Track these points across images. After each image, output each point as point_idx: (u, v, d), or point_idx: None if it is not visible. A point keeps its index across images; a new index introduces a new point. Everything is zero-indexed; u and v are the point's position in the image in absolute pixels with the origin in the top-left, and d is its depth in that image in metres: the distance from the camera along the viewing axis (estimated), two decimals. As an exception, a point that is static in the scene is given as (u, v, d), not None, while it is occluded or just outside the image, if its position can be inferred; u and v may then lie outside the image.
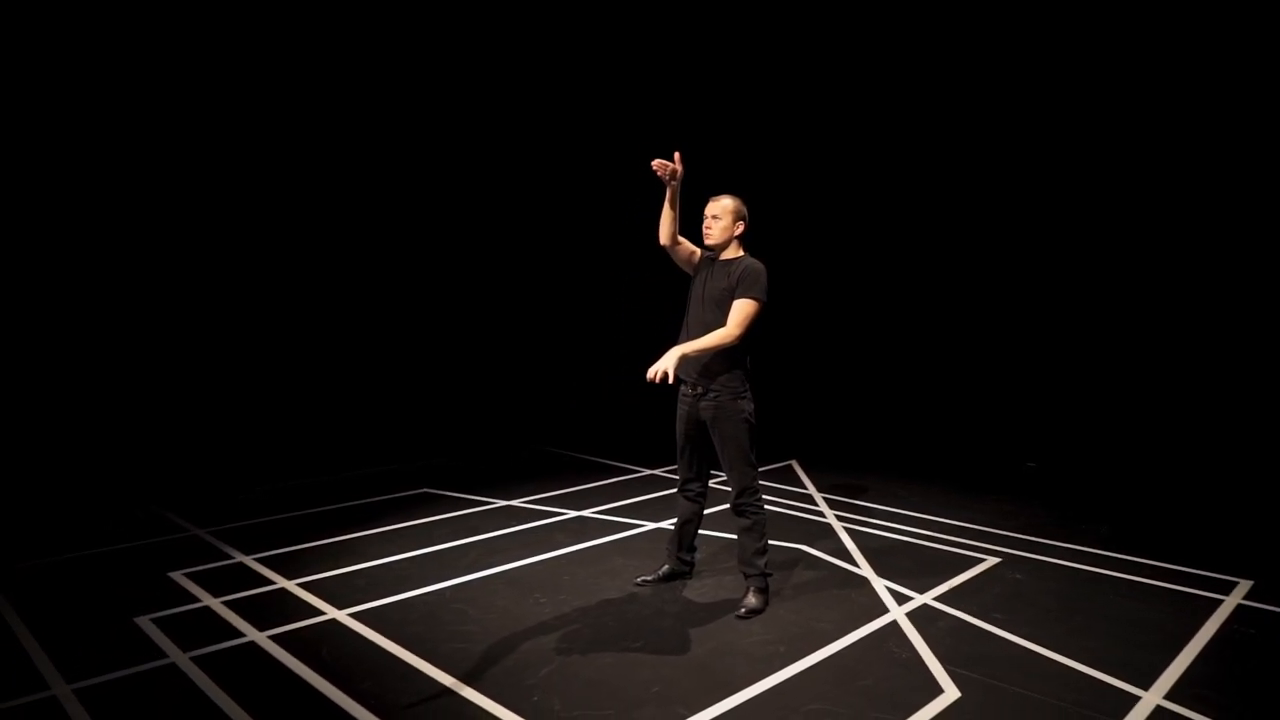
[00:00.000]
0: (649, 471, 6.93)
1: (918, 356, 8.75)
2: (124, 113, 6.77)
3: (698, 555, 4.53)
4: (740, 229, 4.00)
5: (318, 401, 8.22)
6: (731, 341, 3.81)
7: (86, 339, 6.77)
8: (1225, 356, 6.77)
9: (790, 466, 7.17)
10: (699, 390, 3.98)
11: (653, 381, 3.62)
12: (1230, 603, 4.16)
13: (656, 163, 3.80)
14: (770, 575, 4.13)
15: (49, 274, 6.54)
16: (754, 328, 3.87)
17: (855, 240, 9.17)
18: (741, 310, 3.82)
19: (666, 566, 4.41)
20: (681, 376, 3.99)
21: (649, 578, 4.39)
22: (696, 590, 4.30)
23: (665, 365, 3.60)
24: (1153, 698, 3.15)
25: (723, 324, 3.84)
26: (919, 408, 8.67)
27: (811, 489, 6.40)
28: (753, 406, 3.99)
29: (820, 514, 5.74)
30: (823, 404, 9.32)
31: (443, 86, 8.80)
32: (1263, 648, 3.64)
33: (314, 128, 7.98)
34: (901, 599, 4.16)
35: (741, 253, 4.02)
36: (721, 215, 3.94)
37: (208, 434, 7.42)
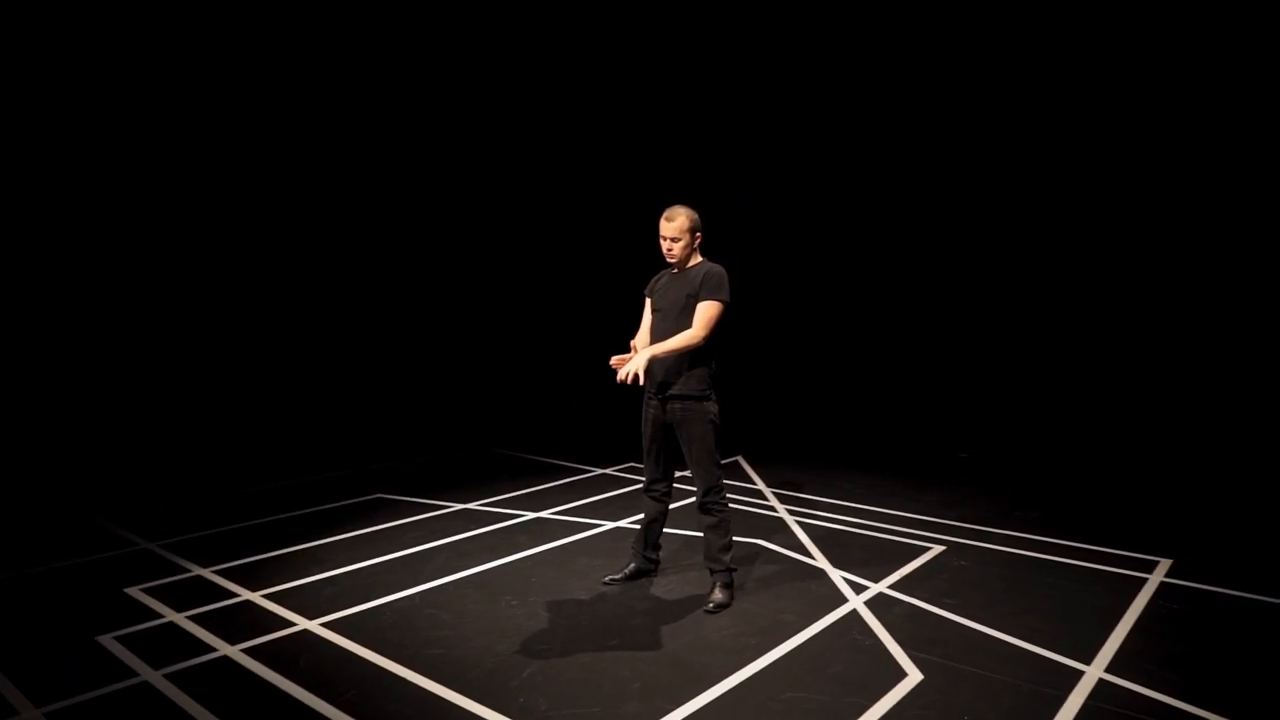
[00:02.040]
0: (600, 471, 7.03)
1: (857, 351, 9.06)
2: (99, 116, 6.53)
3: (662, 553, 4.65)
4: (698, 240, 4.12)
5: (262, 407, 8.07)
6: (698, 343, 3.95)
7: (23, 345, 6.52)
8: (1139, 347, 7.24)
9: (737, 462, 7.37)
10: (665, 393, 4.08)
11: (624, 383, 3.74)
12: (1154, 580, 4.50)
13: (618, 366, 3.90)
14: (735, 570, 4.28)
15: None
16: (719, 329, 4.01)
17: (794, 235, 9.42)
18: (706, 312, 3.96)
19: (632, 565, 4.52)
20: (649, 380, 4.09)
21: (616, 577, 4.50)
22: (663, 587, 4.43)
23: (636, 366, 3.74)
24: (1095, 671, 3.42)
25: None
26: (859, 402, 8.99)
27: (761, 484, 6.61)
28: (717, 408, 4.12)
29: (772, 508, 5.94)
30: (767, 400, 9.56)
31: (408, 93, 8.73)
32: (1185, 621, 3.97)
33: (275, 138, 7.83)
34: (858, 588, 4.37)
35: (700, 259, 4.15)
36: (679, 236, 4.03)
37: (149, 443, 7.22)
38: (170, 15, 6.85)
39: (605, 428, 8.57)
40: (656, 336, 4.09)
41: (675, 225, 4.04)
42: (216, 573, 4.66)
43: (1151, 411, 7.17)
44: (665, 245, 4.08)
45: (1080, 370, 7.59)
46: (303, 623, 3.95)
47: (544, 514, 5.81)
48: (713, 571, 4.23)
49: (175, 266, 7.42)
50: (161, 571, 4.68)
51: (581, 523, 5.60)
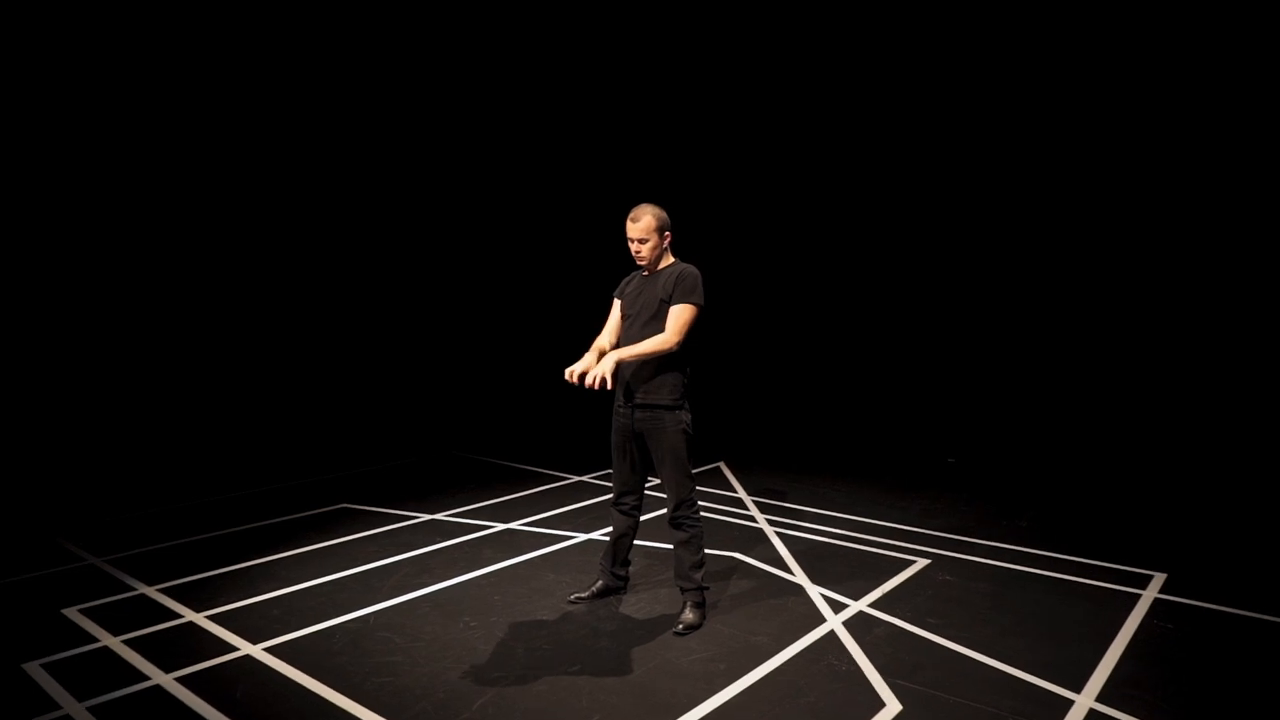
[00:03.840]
0: (577, 478, 6.80)
1: (841, 354, 8.86)
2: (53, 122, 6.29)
3: (631, 569, 4.43)
4: (667, 240, 3.89)
5: (223, 411, 7.84)
6: (670, 348, 3.72)
7: None
8: (1133, 352, 7.05)
9: (719, 469, 7.15)
10: (635, 401, 3.85)
11: (591, 387, 3.51)
12: (1148, 597, 4.29)
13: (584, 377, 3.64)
14: (707, 589, 4.06)
15: None
16: (693, 334, 3.78)
17: (776, 241, 9.22)
18: (679, 316, 3.73)
19: (600, 582, 4.29)
20: (617, 387, 3.88)
21: (583, 595, 4.27)
22: (633, 605, 4.20)
23: (603, 370, 3.52)
24: (1085, 700, 3.20)
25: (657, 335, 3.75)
26: (844, 406, 8.79)
27: (741, 492, 6.39)
28: (690, 417, 3.90)
29: (751, 518, 5.72)
30: (749, 404, 9.35)
31: (375, 103, 8.52)
32: (1182, 642, 3.76)
33: (240, 149, 7.61)
34: (837, 606, 4.16)
35: (672, 259, 3.93)
36: (647, 236, 3.80)
37: (101, 449, 6.98)
38: (169, 15, 6.65)
39: (579, 431, 8.33)
40: (625, 342, 3.86)
41: (641, 226, 3.80)
42: (161, 591, 4.41)
43: (1143, 416, 6.98)
44: (633, 247, 3.85)
45: (1070, 374, 7.40)
46: (245, 647, 3.71)
47: (513, 525, 5.58)
48: (684, 590, 4.00)
49: (128, 269, 7.21)
50: (104, 590, 4.43)
51: (552, 534, 5.36)
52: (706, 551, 4.49)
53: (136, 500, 6.21)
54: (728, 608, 4.16)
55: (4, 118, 6.11)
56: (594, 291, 5.49)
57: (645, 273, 3.94)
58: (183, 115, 7.29)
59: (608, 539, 4.31)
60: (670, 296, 3.76)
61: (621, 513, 4.16)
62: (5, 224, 6.49)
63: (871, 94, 8.23)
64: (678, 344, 3.72)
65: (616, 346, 3.91)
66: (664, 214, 3.86)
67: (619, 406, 3.96)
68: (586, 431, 8.13)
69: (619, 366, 3.68)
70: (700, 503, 6.07)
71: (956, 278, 8.03)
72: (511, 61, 9.11)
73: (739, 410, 9.31)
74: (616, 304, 4.04)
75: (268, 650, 3.68)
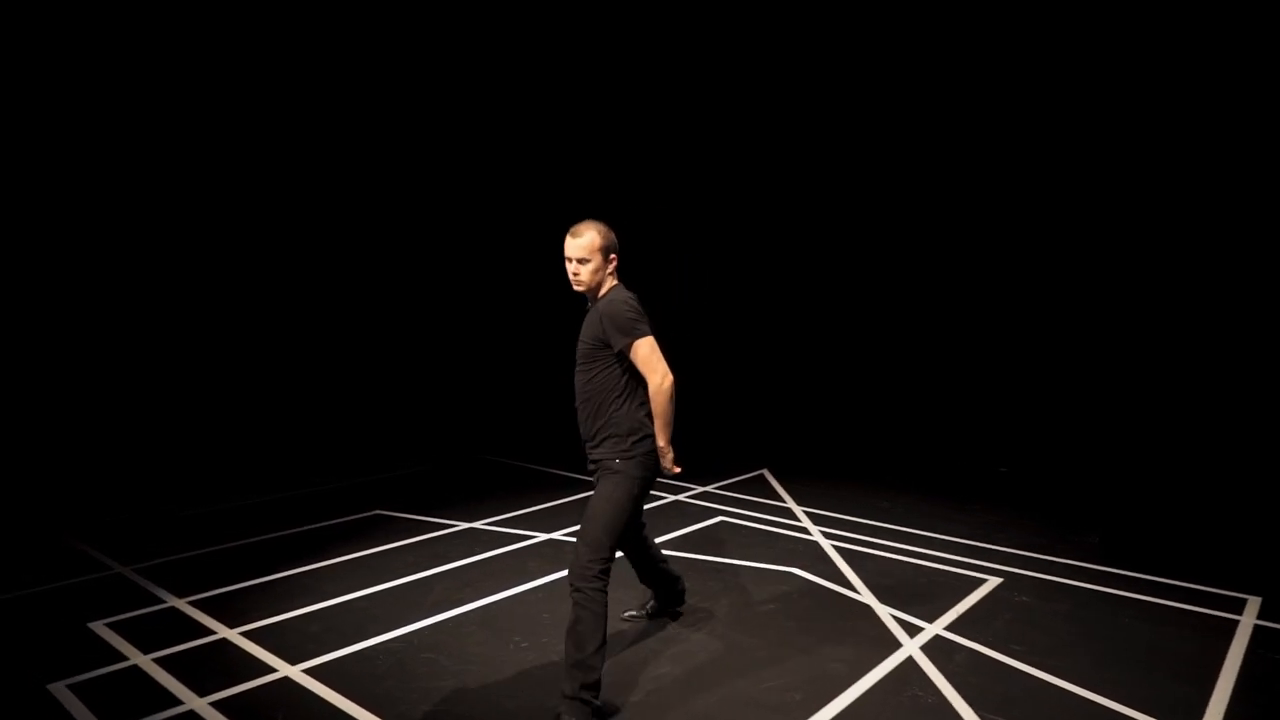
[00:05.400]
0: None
1: (885, 360, 8.56)
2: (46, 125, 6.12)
3: (683, 583, 4.11)
4: (612, 264, 3.26)
5: (249, 413, 7.65)
6: (667, 388, 3.15)
7: None
8: (1204, 354, 6.72)
9: (763, 476, 6.87)
10: (590, 456, 3.33)
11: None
12: (1246, 624, 3.99)
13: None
14: (593, 703, 2.98)
15: None
16: (628, 372, 3.23)
17: (821, 244, 8.93)
18: (643, 358, 3.14)
19: (653, 602, 4.02)
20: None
21: (635, 612, 4.01)
22: (692, 624, 3.93)
23: (667, 465, 3.28)
24: (1205, 744, 2.92)
25: (599, 381, 3.23)
26: (887, 412, 8.48)
27: (790, 502, 6.11)
28: (644, 471, 3.23)
29: (804, 530, 5.44)
30: (791, 410, 9.05)
31: (389, 102, 8.32)
32: (1293, 675, 3.46)
33: (245, 147, 7.43)
34: (911, 629, 3.87)
35: (612, 283, 3.29)
36: (588, 256, 3.18)
37: (128, 455, 6.80)
38: (168, 15, 6.47)
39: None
40: (577, 390, 3.32)
41: (583, 243, 3.18)
42: (192, 604, 4.18)
43: (1225, 426, 6.63)
44: (570, 269, 3.22)
45: (1127, 377, 7.07)
46: (283, 668, 3.47)
47: (557, 535, 5.32)
48: (565, 696, 2.98)
49: (155, 270, 7.04)
50: (131, 602, 4.21)
51: (597, 546, 5.09)
52: (760, 565, 4.23)
53: (163, 505, 6.00)
54: (795, 629, 3.89)
55: (6, 118, 5.92)
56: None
57: (589, 303, 3.33)
58: (217, 118, 7.13)
59: (667, 548, 4.03)
60: (605, 339, 3.17)
61: (628, 555, 3.70)
62: (30, 227, 6.33)
63: (911, 91, 7.94)
64: (665, 376, 3.15)
65: (585, 397, 3.31)
66: (611, 234, 3.26)
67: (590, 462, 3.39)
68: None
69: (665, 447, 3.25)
70: (743, 511, 5.93)
71: (999, 279, 7.72)
72: (529, 65, 8.87)
73: (781, 416, 9.01)
74: None
75: (307, 672, 3.44)
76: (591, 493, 3.30)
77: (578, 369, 3.31)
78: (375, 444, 7.94)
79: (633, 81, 9.11)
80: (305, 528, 5.47)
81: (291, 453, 7.48)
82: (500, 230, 9.32)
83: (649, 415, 3.23)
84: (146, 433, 7.01)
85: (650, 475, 3.26)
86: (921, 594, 4.32)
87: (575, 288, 3.27)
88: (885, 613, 4.08)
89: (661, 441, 3.21)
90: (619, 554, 3.31)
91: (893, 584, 4.46)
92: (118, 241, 6.85)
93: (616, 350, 3.15)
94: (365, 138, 8.29)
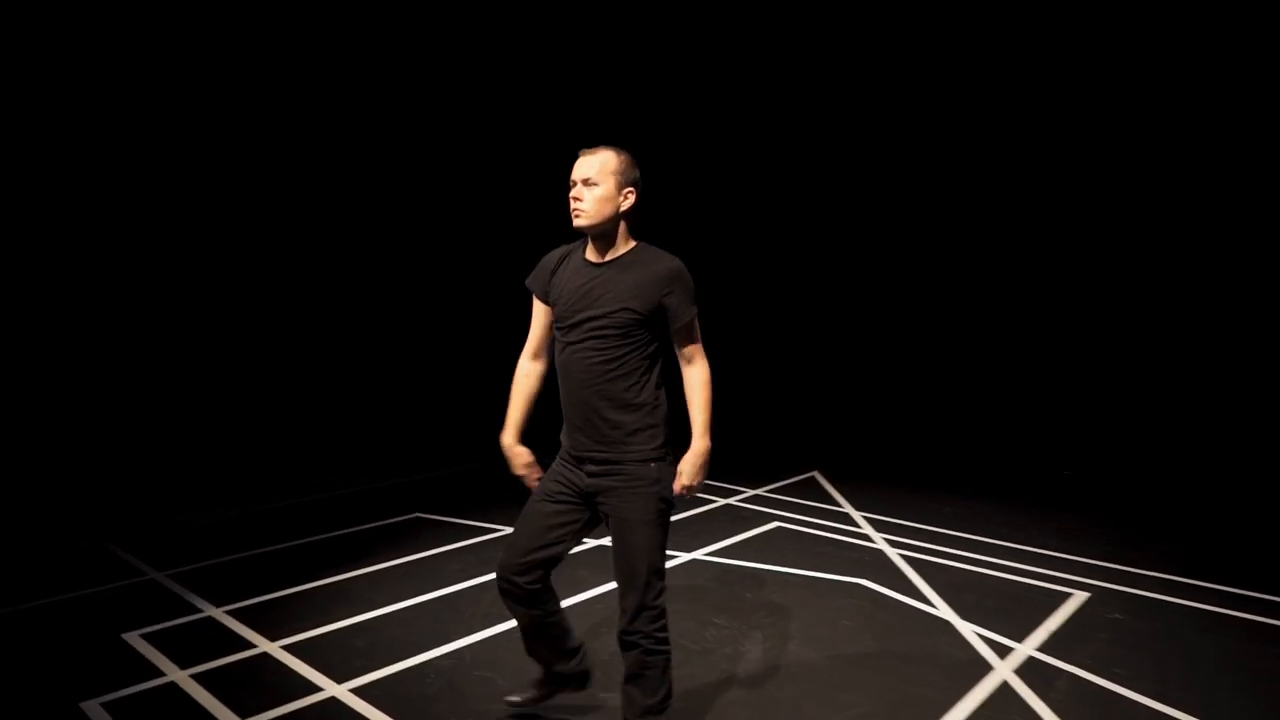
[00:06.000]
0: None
1: (936, 356, 8.23)
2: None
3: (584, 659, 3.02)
4: (630, 200, 2.55)
5: (284, 412, 7.48)
6: (709, 370, 2.64)
7: (20, 342, 5.97)
8: (1257, 344, 6.35)
9: (814, 479, 6.58)
10: (590, 454, 2.61)
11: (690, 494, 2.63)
12: (1368, 646, 3.66)
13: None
14: None
15: None
16: (653, 349, 2.63)
17: (870, 232, 8.62)
18: (694, 330, 2.61)
19: (541, 677, 3.00)
20: (566, 430, 2.72)
21: (518, 698, 3.01)
22: (760, 641, 3.66)
23: (691, 479, 2.60)
24: (1356, 788, 2.61)
25: (631, 362, 2.53)
26: (938, 411, 8.15)
27: (847, 506, 5.81)
28: (673, 474, 2.61)
29: (865, 537, 5.15)
30: (840, 408, 8.72)
31: (409, 96, 8.12)
32: None
33: (272, 142, 7.25)
34: (1001, 650, 3.58)
35: (633, 241, 2.60)
36: (599, 179, 2.49)
37: (162, 453, 6.64)
38: (167, 15, 6.28)
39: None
40: (570, 373, 2.60)
41: (594, 160, 2.52)
42: (230, 613, 3.97)
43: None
44: (574, 193, 2.53)
45: (1200, 374, 6.70)
46: (329, 686, 3.24)
47: (607, 540, 5.05)
48: None
49: (196, 268, 6.89)
50: (167, 611, 4.00)
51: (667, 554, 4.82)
52: (824, 576, 3.96)
53: (196, 506, 5.81)
54: (872, 648, 3.60)
55: (6, 118, 5.75)
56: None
57: (586, 251, 2.61)
58: (246, 120, 6.96)
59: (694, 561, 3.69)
60: (660, 306, 2.51)
61: (512, 599, 2.73)
62: (59, 230, 6.20)
63: (966, 85, 7.60)
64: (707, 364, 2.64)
65: (570, 379, 2.62)
66: (635, 166, 2.56)
67: (565, 455, 2.72)
68: (680, 427, 7.60)
69: (584, 403, 2.58)
70: (797, 515, 5.65)
71: (1071, 276, 7.37)
72: (541, 67, 8.60)
73: (830, 415, 8.69)
74: (540, 307, 2.74)
75: (354, 692, 3.20)
76: (545, 483, 2.75)
77: (583, 345, 2.52)
78: (411, 444, 7.72)
79: (654, 80, 8.83)
80: (343, 531, 5.26)
81: (326, 453, 7.28)
82: (540, 230, 9.10)
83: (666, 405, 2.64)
84: (180, 433, 6.85)
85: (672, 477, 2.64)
86: (1004, 609, 4.02)
87: (574, 220, 2.53)
88: (968, 630, 3.79)
89: (704, 436, 2.58)
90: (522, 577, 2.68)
91: (971, 597, 4.17)
92: (149, 244, 6.71)
93: (684, 323, 2.54)
94: (410, 136, 8.09)
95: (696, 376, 2.62)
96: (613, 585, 3.93)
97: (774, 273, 9.26)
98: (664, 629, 2.57)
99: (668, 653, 2.59)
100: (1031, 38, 7.17)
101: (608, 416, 2.53)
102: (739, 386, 9.35)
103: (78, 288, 6.41)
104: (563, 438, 2.72)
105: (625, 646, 2.56)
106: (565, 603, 3.99)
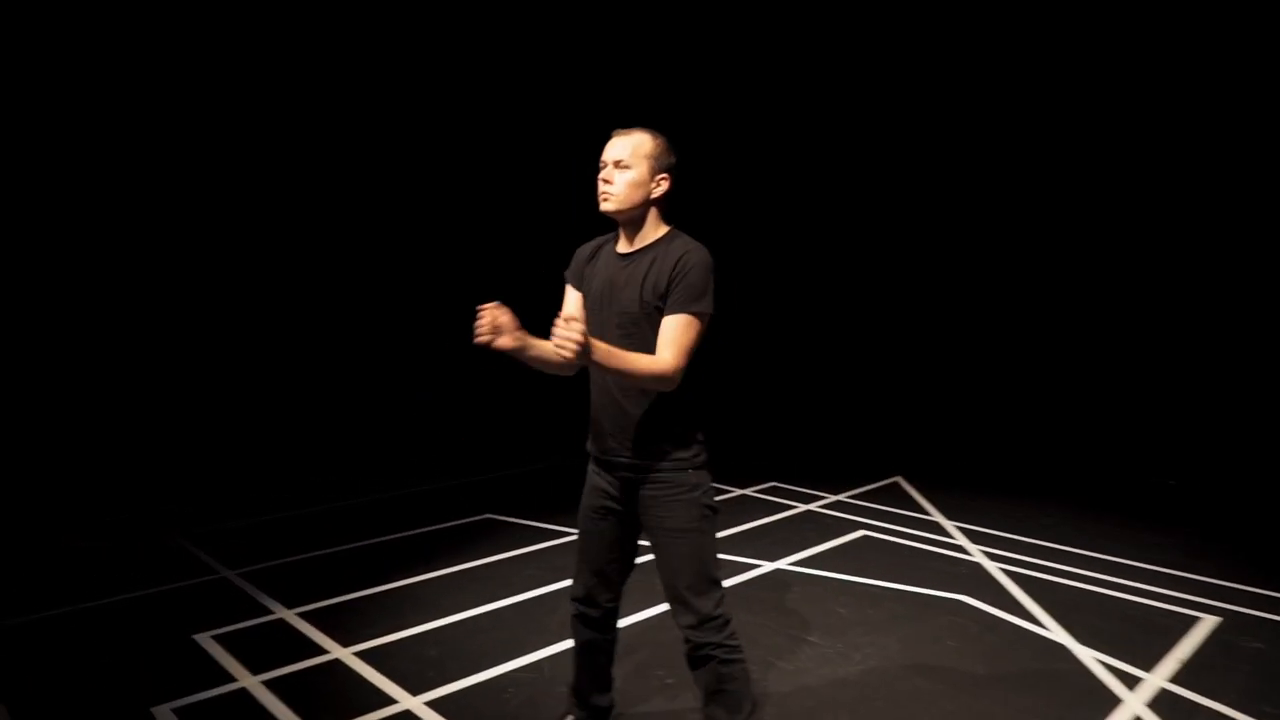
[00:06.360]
0: (738, 491, 6.01)
1: (1022, 355, 7.79)
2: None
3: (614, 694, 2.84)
4: (663, 187, 2.35)
5: (353, 408, 7.44)
6: (668, 380, 2.24)
7: (82, 335, 6.01)
8: None
9: (897, 484, 6.25)
10: (621, 458, 2.42)
11: (563, 351, 2.05)
12: None
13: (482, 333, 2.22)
14: None
15: (50, 275, 5.80)
16: (694, 357, 2.30)
17: (956, 229, 8.22)
18: (680, 334, 2.25)
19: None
20: (592, 435, 2.52)
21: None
22: (860, 662, 3.39)
23: (575, 338, 2.03)
24: None
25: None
26: (1027, 413, 7.71)
27: (936, 514, 5.48)
28: (711, 480, 2.46)
29: (960, 548, 4.82)
30: (921, 410, 8.33)
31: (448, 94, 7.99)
32: None
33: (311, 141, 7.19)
34: (1129, 680, 3.24)
35: (664, 229, 2.40)
36: (632, 162, 2.31)
37: (232, 446, 6.64)
38: (167, 15, 6.23)
39: (744, 429, 7.51)
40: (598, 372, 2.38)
41: (628, 142, 2.33)
42: (301, 616, 3.85)
43: None
44: (603, 174, 2.34)
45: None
46: (404, 699, 3.08)
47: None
48: None
49: (271, 264, 6.88)
50: (238, 611, 3.90)
51: (732, 560, 4.57)
52: (918, 590, 3.66)
53: (264, 503, 5.75)
54: (983, 673, 3.30)
55: (6, 118, 5.74)
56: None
57: (618, 241, 2.45)
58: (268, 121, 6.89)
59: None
60: (665, 295, 2.28)
61: (586, 623, 2.63)
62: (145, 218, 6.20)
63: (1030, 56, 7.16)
64: (677, 374, 2.24)
65: (598, 377, 2.44)
66: (671, 152, 2.37)
67: (594, 463, 2.56)
68: (750, 433, 7.34)
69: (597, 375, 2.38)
70: (881, 524, 5.33)
71: (1154, 265, 6.88)
72: (553, 67, 8.37)
73: (911, 416, 8.30)
74: (573, 295, 2.55)
75: (430, 705, 3.03)
76: (587, 501, 2.55)
77: (610, 342, 2.25)
78: (478, 441, 7.61)
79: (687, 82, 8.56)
80: (412, 532, 5.12)
81: (393, 451, 7.21)
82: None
83: (700, 412, 2.44)
84: (253, 429, 6.85)
85: (711, 483, 2.47)
86: (1126, 633, 3.67)
87: (601, 204, 2.34)
88: (1088, 656, 3.45)
89: (602, 354, 2.12)
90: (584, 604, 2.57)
91: (1086, 619, 3.82)
92: (217, 240, 6.71)
93: (671, 316, 2.25)
94: (456, 130, 7.98)
95: (654, 365, 2.22)
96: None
97: (850, 270, 8.92)
98: (734, 635, 2.40)
99: (744, 660, 2.41)
100: (1055, 38, 6.75)
101: (637, 417, 2.37)
102: (816, 388, 9.05)
103: (160, 286, 6.43)
104: (590, 445, 2.56)
105: (697, 663, 2.40)
106: (644, 614, 3.80)
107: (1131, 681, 3.23)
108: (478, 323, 2.18)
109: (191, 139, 6.37)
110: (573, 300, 2.54)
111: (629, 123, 2.40)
